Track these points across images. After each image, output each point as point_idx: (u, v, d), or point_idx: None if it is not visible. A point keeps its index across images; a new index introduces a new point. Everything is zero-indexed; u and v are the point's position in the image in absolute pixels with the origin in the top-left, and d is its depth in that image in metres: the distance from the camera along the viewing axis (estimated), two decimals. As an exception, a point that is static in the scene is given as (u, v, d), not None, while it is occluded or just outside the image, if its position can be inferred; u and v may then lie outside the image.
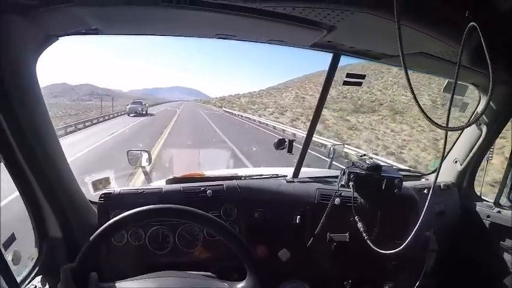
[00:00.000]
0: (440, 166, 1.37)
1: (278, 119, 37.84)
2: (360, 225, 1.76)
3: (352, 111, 36.91)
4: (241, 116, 38.97)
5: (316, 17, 1.17)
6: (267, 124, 28.34)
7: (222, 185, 1.84)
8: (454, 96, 1.23)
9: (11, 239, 1.27)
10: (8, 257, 1.24)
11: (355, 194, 1.85)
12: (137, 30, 1.49)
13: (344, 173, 1.92)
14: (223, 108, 54.87)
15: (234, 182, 1.88)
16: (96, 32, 1.35)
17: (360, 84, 2.03)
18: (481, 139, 2.21)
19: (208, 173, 2.13)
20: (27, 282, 1.28)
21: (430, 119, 0.92)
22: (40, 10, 1.04)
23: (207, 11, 1.11)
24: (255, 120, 32.60)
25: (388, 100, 38.96)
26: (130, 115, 33.40)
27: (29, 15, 1.05)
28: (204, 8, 1.10)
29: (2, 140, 1.15)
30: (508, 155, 2.11)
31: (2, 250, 1.16)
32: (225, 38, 1.54)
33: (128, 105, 37.92)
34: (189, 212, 1.11)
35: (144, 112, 35.36)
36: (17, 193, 1.33)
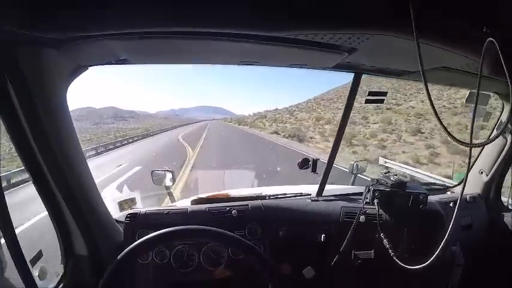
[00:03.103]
0: (466, 178, 1.34)
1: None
2: (385, 242, 1.73)
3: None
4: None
5: (337, 41, 1.19)
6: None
7: (247, 205, 1.84)
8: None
9: (39, 255, 1.32)
10: (35, 272, 1.28)
11: (380, 211, 1.83)
12: (163, 60, 1.54)
13: (368, 191, 1.91)
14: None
15: (259, 202, 1.89)
16: (124, 62, 1.40)
17: (382, 101, 2.03)
18: (506, 148, 2.16)
19: (233, 192, 2.14)
20: None
21: (452, 135, 0.92)
22: (72, 43, 1.09)
23: (230, 41, 1.15)
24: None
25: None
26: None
27: (61, 48, 1.10)
28: (228, 38, 1.12)
29: (33, 163, 1.21)
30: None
31: (29, 266, 1.20)
32: (248, 64, 1.57)
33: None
34: (214, 232, 1.13)
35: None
36: (46, 212, 1.38)
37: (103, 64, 1.40)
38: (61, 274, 1.43)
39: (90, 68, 1.36)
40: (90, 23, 0.93)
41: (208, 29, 1.03)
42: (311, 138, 37.78)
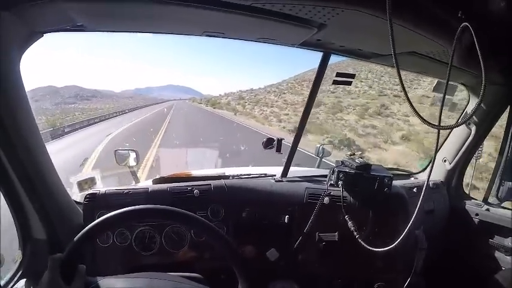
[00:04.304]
0: (432, 164, 1.38)
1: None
2: (350, 224, 1.77)
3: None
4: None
5: (306, 14, 1.16)
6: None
7: (210, 184, 1.82)
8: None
9: None
10: (-10, 259, 1.22)
11: (345, 193, 1.85)
12: (123, 27, 1.46)
13: (333, 172, 1.92)
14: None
15: (222, 182, 1.86)
16: (81, 28, 1.32)
17: (349, 83, 2.02)
18: (470, 138, 2.23)
19: (195, 172, 2.10)
20: (11, 285, 1.26)
21: (422, 117, 0.92)
22: (24, 5, 1.01)
23: (194, 7, 1.10)
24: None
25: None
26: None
27: (13, 10, 1.02)
28: (191, 3, 1.08)
29: None
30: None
31: None
32: (213, 36, 1.52)
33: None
34: (174, 212, 1.09)
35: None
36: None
37: (58, 30, 1.32)
38: (19, 260, 1.37)
39: (46, 36, 1.28)
40: None
41: None
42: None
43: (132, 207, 1.04)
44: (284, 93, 52.61)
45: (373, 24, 1.12)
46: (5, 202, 1.31)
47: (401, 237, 1.46)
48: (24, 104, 1.23)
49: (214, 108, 60.14)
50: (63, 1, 1.02)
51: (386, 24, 0.85)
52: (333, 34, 1.42)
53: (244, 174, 2.07)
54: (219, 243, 1.08)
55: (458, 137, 2.29)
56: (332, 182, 1.92)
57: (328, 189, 1.86)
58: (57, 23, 1.26)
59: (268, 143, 2.17)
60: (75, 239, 1.00)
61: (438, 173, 2.47)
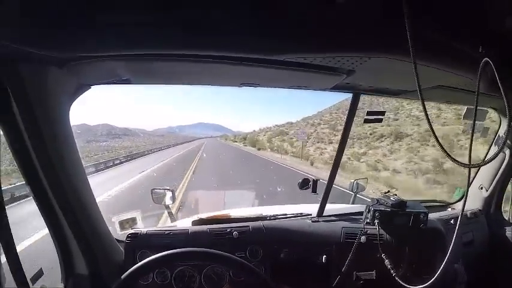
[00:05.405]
0: (466, 194, 1.35)
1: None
2: (387, 262, 1.73)
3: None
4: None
5: (336, 64, 1.22)
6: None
7: (248, 226, 1.84)
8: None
9: (39, 273, 1.32)
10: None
11: (381, 231, 1.83)
12: (166, 81, 1.56)
13: (369, 211, 1.91)
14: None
15: (260, 223, 1.89)
16: (127, 81, 1.43)
17: (380, 120, 2.04)
18: (505, 162, 2.17)
19: (233, 213, 2.13)
20: None
21: (451, 156, 0.92)
22: (78, 62, 1.11)
23: (231, 64, 1.17)
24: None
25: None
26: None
27: (64, 67, 1.12)
28: (229, 61, 1.15)
29: (35, 179, 1.22)
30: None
31: (30, 284, 1.20)
32: (250, 86, 1.59)
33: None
34: (216, 254, 1.13)
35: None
36: (47, 230, 1.38)
37: (106, 83, 1.43)
38: None
39: (93, 87, 1.38)
40: (92, 43, 0.94)
41: (211, 53, 1.05)
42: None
43: (176, 250, 1.09)
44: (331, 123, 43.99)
45: (398, 67, 1.15)
46: (51, 238, 1.40)
47: (438, 272, 1.42)
48: (72, 145, 1.33)
49: (258, 149, 43.58)
50: (111, 60, 1.11)
51: (411, 65, 0.88)
52: (361, 78, 1.46)
53: (281, 214, 2.07)
54: (259, 282, 1.10)
55: (493, 162, 2.20)
56: (368, 221, 1.90)
57: (364, 228, 1.85)
58: (105, 77, 1.36)
59: (304, 183, 2.19)
60: (122, 277, 1.04)
61: (475, 201, 2.38)
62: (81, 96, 1.35)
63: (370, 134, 33.56)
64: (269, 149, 42.01)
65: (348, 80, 1.48)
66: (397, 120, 35.10)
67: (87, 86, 1.35)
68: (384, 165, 25.67)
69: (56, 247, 1.43)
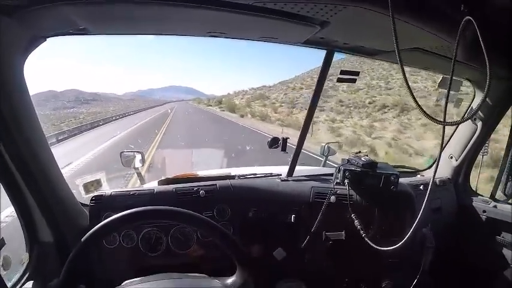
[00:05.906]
0: (438, 161, 1.37)
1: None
2: (356, 222, 1.76)
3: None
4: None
5: (309, 12, 1.16)
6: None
7: (215, 184, 1.82)
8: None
9: (1, 244, 1.25)
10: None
11: (351, 192, 1.84)
12: (126, 29, 1.48)
13: (339, 171, 1.90)
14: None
15: (228, 182, 1.87)
16: (84, 32, 1.33)
17: (354, 80, 2.02)
18: (476, 134, 2.21)
19: (201, 173, 2.11)
20: (18, 287, 1.26)
21: (427, 114, 0.92)
22: (27, 10, 1.02)
23: (195, 7, 1.10)
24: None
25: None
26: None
27: (15, 16, 1.03)
28: (194, 4, 1.08)
29: None
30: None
31: None
32: (217, 36, 1.52)
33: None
34: (178, 212, 1.10)
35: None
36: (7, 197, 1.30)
37: (61, 34, 1.34)
38: (26, 262, 1.37)
39: (49, 40, 1.29)
40: None
41: None
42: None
43: (137, 209, 1.05)
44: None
45: (375, 21, 1.11)
46: (12, 205, 1.32)
47: (408, 235, 1.45)
48: (29, 107, 1.25)
49: (241, 116, 36.33)
50: (65, 5, 1.03)
51: (389, 20, 0.85)
52: (336, 32, 1.41)
53: (250, 174, 2.06)
54: (226, 243, 1.09)
55: (464, 133, 2.27)
56: (338, 181, 1.90)
57: (334, 188, 1.86)
58: (59, 27, 1.27)
59: (274, 142, 2.16)
60: (81, 240, 1.00)
61: (445, 170, 2.45)
62: (36, 50, 1.25)
63: (370, 103, 31.58)
64: (251, 115, 35.67)
65: (322, 34, 1.43)
66: (390, 89, 34.30)
67: (41, 38, 1.26)
68: (411, 146, 20.28)
69: (18, 215, 1.36)
